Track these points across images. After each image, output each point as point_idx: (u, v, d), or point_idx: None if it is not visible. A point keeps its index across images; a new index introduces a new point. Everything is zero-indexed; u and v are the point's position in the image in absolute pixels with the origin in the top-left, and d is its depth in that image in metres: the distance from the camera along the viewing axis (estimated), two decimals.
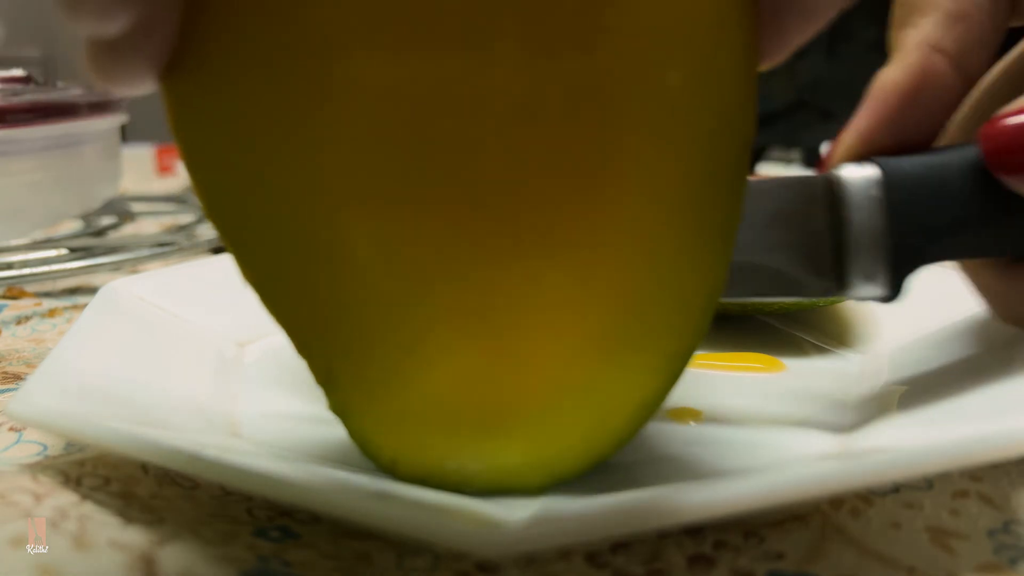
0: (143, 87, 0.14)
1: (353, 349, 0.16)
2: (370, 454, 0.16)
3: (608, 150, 0.15)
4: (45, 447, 0.19)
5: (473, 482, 0.16)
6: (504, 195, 0.15)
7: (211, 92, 0.14)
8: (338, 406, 0.16)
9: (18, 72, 0.45)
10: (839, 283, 0.19)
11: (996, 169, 0.17)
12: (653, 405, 0.16)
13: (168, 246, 0.39)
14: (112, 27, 0.13)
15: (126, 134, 0.56)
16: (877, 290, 0.18)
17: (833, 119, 0.69)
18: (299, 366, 0.16)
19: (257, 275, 0.15)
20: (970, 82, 0.19)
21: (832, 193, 0.19)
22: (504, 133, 0.15)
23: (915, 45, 0.19)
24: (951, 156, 0.18)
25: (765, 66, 0.16)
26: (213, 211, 0.15)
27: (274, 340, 0.16)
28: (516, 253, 0.15)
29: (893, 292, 0.18)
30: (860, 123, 0.19)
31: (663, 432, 0.20)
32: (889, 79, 0.19)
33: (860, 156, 0.19)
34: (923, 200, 0.18)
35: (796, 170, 0.77)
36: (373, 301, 0.15)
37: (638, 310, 0.16)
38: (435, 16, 0.14)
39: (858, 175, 0.18)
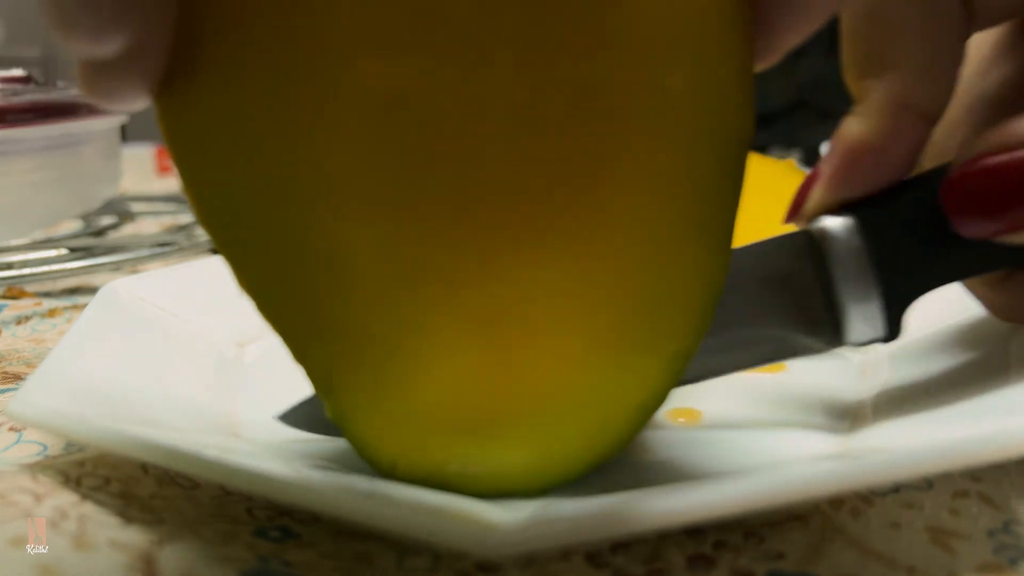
0: (137, 104, 0.14)
1: (353, 354, 0.16)
2: (370, 458, 0.16)
3: (609, 152, 0.15)
4: (45, 447, 0.19)
5: (474, 485, 0.16)
6: (505, 199, 0.15)
7: (207, 103, 0.14)
8: (337, 412, 0.16)
9: (18, 72, 0.45)
10: (838, 335, 0.19)
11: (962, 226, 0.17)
12: (654, 406, 0.16)
13: (168, 246, 0.39)
14: (107, 49, 0.13)
15: (126, 134, 0.56)
16: (876, 333, 0.19)
17: (833, 119, 0.69)
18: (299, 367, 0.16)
19: (255, 282, 0.15)
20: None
21: (815, 248, 0.19)
22: (505, 137, 0.15)
23: (884, 103, 0.19)
24: (924, 187, 0.18)
25: (760, 67, 0.16)
26: (209, 220, 0.15)
27: (274, 340, 0.16)
28: (518, 256, 0.15)
29: (893, 331, 0.19)
30: (829, 176, 0.19)
31: (663, 432, 0.20)
32: (857, 135, 0.19)
33: (833, 207, 0.19)
34: (902, 238, 0.18)
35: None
36: (374, 305, 0.15)
37: (639, 312, 0.16)
38: (435, 24, 0.14)
39: (837, 227, 0.19)
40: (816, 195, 0.19)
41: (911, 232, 0.18)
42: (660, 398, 0.16)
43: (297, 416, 0.20)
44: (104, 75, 0.13)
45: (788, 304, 0.19)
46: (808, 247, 0.19)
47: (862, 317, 0.19)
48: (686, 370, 0.16)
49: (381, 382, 0.16)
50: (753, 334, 0.19)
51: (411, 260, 0.15)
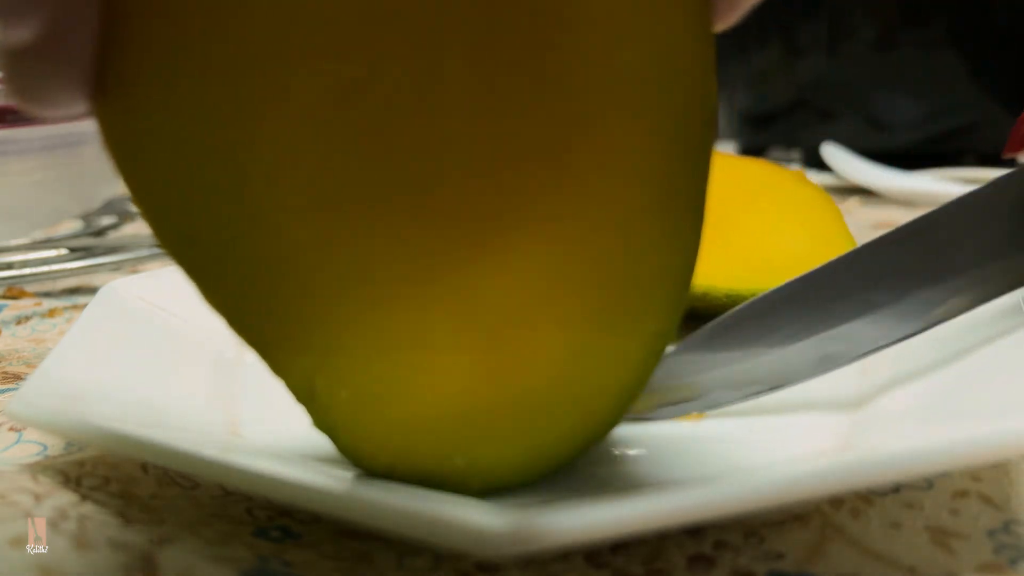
0: (70, 107, 0.13)
1: (333, 365, 0.15)
2: (364, 466, 0.16)
3: (571, 135, 0.15)
4: (45, 447, 0.19)
5: (471, 482, 0.16)
6: (471, 190, 0.15)
7: (150, 107, 0.14)
8: (324, 424, 0.16)
9: None
10: None
11: None
12: (637, 387, 0.16)
13: None
14: (21, 31, 0.12)
15: None
16: None
17: (833, 119, 0.69)
18: None
19: (221, 299, 0.15)
20: None
21: None
22: (464, 128, 0.14)
23: None
24: None
25: (720, 28, 0.15)
26: (164, 238, 0.14)
27: None
28: (489, 248, 0.15)
29: None
30: None
31: (664, 431, 0.20)
32: None
33: None
34: None
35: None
36: (349, 311, 0.15)
37: (616, 294, 0.16)
38: (383, 17, 0.14)
39: None
40: None
41: None
42: (643, 379, 0.16)
43: None
44: (29, 68, 0.12)
45: None
46: None
47: None
48: (958, 303, 0.18)
49: (365, 391, 0.15)
50: (1001, 265, 0.20)
51: (383, 262, 0.15)
